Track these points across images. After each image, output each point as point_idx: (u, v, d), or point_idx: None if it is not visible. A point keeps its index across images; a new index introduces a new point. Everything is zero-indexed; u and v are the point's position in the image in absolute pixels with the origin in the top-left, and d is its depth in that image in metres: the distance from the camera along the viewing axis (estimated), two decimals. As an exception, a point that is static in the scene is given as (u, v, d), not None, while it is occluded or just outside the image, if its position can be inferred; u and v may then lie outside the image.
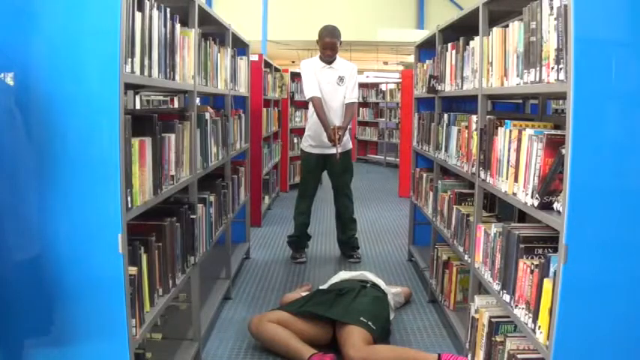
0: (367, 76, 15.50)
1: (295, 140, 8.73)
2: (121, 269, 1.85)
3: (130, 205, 1.91)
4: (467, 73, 3.15)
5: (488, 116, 2.71)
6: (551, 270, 1.86)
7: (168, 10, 2.32)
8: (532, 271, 2.01)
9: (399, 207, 7.38)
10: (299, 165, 7.95)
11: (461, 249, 3.14)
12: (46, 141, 1.83)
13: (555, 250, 1.94)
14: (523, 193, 2.15)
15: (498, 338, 2.38)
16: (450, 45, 3.54)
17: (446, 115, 3.67)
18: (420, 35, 5.36)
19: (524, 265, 2.09)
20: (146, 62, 2.09)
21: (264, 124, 6.46)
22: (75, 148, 1.83)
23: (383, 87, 12.90)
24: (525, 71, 2.17)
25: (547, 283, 1.87)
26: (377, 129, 12.90)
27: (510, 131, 2.32)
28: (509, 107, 4.39)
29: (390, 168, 11.69)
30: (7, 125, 1.85)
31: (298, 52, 16.26)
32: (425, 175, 4.32)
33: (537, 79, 2.05)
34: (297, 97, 8.77)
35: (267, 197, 7.02)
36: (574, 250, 1.75)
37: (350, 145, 4.93)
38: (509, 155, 2.32)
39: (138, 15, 1.99)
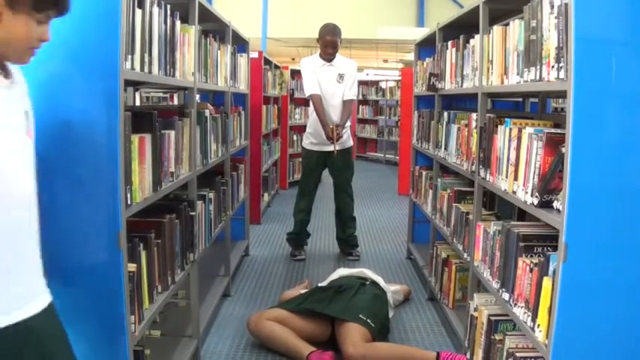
0: (367, 74, 15.46)
1: (295, 137, 8.72)
2: (121, 266, 1.85)
3: (129, 202, 1.91)
4: (467, 71, 3.15)
5: (488, 114, 2.70)
6: (551, 268, 1.86)
7: (168, 6, 2.31)
8: (531, 270, 2.01)
9: (398, 205, 7.38)
10: (298, 162, 7.96)
11: (460, 247, 3.14)
12: (45, 137, 1.83)
13: (555, 248, 1.94)
14: (523, 192, 2.14)
15: (497, 336, 2.38)
16: (450, 43, 3.54)
17: (446, 113, 3.67)
18: (420, 33, 5.36)
19: (523, 263, 2.09)
20: (146, 59, 2.09)
21: (263, 121, 6.47)
22: (74, 145, 1.82)
23: (383, 85, 12.89)
24: (525, 70, 2.17)
25: (546, 282, 1.87)
26: (376, 127, 12.89)
27: (510, 129, 2.31)
28: (508, 105, 4.39)
29: (389, 166, 11.69)
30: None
31: (298, 49, 16.23)
32: (424, 173, 4.32)
33: (537, 78, 2.05)
34: (296, 95, 8.76)
35: (266, 194, 7.01)
36: (573, 248, 1.75)
37: (350, 143, 4.93)
38: (509, 153, 2.32)
39: (138, 12, 1.99)
